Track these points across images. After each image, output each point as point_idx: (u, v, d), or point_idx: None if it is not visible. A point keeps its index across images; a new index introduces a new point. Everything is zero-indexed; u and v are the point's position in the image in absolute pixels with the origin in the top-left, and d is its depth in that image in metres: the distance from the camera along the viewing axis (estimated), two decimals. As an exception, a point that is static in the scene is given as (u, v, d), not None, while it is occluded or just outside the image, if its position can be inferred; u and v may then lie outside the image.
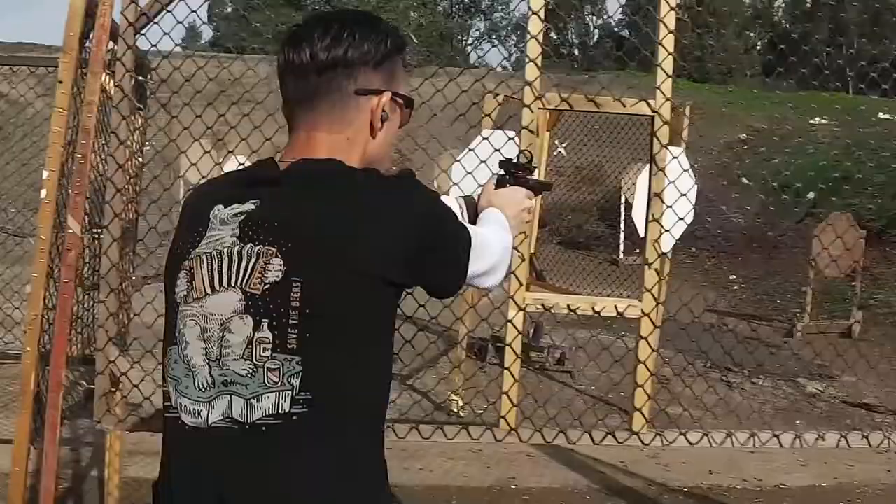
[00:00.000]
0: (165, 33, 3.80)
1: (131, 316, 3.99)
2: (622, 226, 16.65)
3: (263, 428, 1.80)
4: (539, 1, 3.49)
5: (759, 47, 49.80)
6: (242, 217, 1.89)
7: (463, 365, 7.39)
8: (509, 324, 3.67)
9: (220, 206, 1.93)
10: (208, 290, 1.88)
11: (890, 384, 8.70)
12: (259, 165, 2.01)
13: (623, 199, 16.44)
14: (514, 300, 3.67)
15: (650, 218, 3.68)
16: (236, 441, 1.82)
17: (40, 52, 23.06)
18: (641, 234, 6.67)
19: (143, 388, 3.60)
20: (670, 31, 3.58)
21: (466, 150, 5.03)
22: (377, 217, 1.87)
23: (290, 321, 1.81)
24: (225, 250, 1.88)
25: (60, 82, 3.44)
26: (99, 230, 3.78)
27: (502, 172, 2.49)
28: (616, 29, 51.03)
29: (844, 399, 8.35)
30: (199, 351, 1.87)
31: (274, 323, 1.81)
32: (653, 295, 3.68)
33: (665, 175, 3.67)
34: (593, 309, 4.29)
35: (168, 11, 3.63)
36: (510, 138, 6.14)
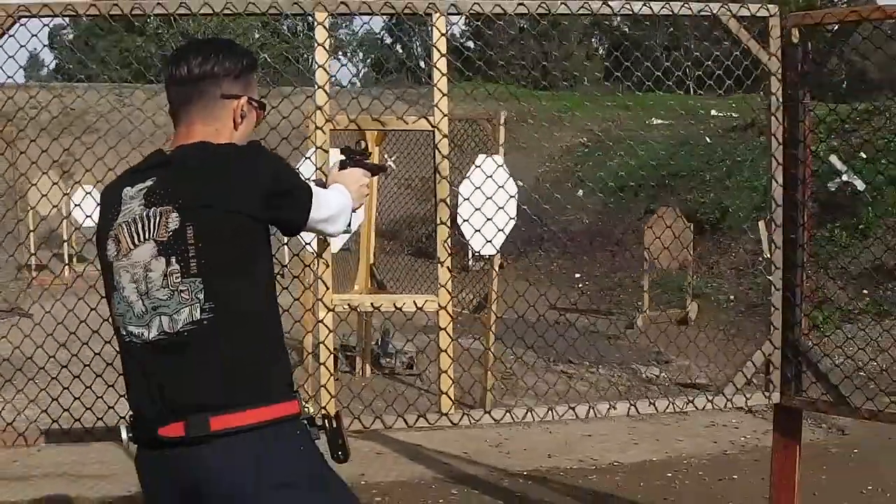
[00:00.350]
0: (9, 56, 4.05)
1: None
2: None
3: (185, 333, 2.49)
4: (323, 33, 3.87)
5: (600, 52, 51.30)
6: (145, 191, 2.57)
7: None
8: (321, 324, 4.02)
9: (128, 188, 2.61)
10: (131, 247, 2.55)
11: (719, 364, 9.30)
12: (152, 154, 2.69)
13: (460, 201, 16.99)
14: (322, 302, 4.03)
15: (438, 221, 4.06)
16: (169, 346, 2.50)
17: None
18: (468, 241, 7.16)
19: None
20: (443, 55, 4.01)
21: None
22: (236, 172, 2.56)
23: (190, 254, 2.49)
24: (136, 216, 2.56)
25: None
26: None
27: (344, 158, 3.15)
28: (462, 40, 51.82)
29: (678, 381, 8.95)
30: (133, 290, 2.54)
31: (179, 257, 2.49)
32: (447, 290, 4.07)
33: (449, 183, 4.07)
34: (395, 305, 4.80)
35: (9, 35, 3.91)
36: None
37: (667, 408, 4.16)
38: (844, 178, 12.83)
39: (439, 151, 4.05)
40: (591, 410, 4.17)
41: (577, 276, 15.87)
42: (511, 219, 7.42)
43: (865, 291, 11.40)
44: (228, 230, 2.52)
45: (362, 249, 8.84)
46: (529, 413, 4.19)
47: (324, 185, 3.05)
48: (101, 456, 6.74)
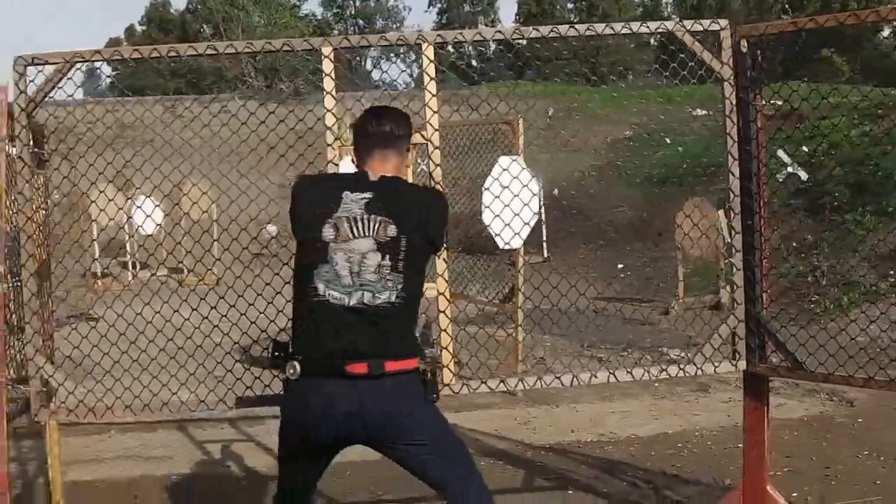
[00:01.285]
0: (69, 95, 4.77)
1: (53, 350, 4.95)
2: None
3: (382, 308, 3.63)
4: (329, 65, 4.54)
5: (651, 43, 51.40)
6: (365, 201, 3.70)
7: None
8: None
9: (348, 192, 3.73)
10: (350, 237, 3.66)
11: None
12: (359, 175, 3.86)
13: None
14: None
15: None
16: (364, 314, 3.62)
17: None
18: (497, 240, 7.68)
19: (71, 398, 4.60)
20: (432, 79, 4.63)
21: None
22: (432, 207, 3.86)
23: (399, 257, 3.66)
24: (357, 216, 3.68)
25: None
26: (17, 279, 4.72)
27: None
28: (512, 39, 52.15)
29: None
30: (346, 267, 3.64)
31: (391, 256, 3.66)
32: (444, 278, 4.67)
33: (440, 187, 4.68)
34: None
35: (54, 92, 4.60)
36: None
37: (642, 376, 4.74)
38: (790, 169, 13.90)
39: (432, 161, 4.66)
40: (575, 378, 4.73)
41: (620, 266, 16.36)
42: (535, 214, 7.89)
43: (892, 272, 11.81)
44: (423, 247, 3.78)
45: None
46: (521, 382, 4.78)
47: None
48: (164, 440, 7.47)
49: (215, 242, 13.93)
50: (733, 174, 4.68)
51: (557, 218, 18.51)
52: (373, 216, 3.68)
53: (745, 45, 4.69)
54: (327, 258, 3.66)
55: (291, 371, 3.65)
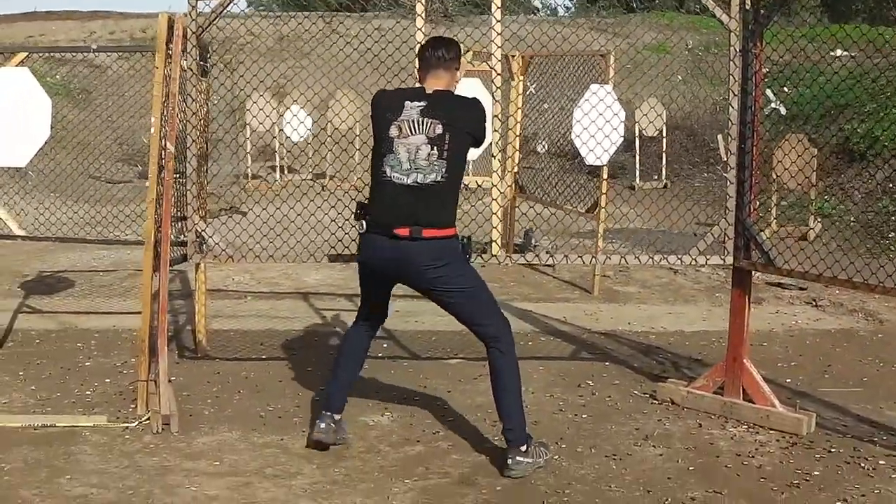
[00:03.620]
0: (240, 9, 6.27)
1: (206, 212, 6.52)
2: (637, 156, 18.81)
3: (431, 184, 4.93)
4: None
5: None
6: (421, 108, 4.97)
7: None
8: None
9: (409, 101, 5.01)
10: (409, 134, 4.95)
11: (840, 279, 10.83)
12: (418, 89, 5.12)
13: (637, 132, 18.61)
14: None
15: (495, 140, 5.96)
16: (419, 190, 4.93)
17: (115, 19, 25.49)
18: (585, 159, 8.82)
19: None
20: (498, 21, 5.90)
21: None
22: (470, 111, 5.11)
23: (445, 147, 4.92)
24: (415, 119, 4.95)
25: (157, 67, 5.90)
26: (180, 174, 6.26)
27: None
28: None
29: (766, 280, 10.52)
30: (405, 156, 4.95)
31: (438, 148, 4.92)
32: (498, 174, 6.00)
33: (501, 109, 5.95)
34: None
35: (217, 19, 6.07)
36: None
37: (646, 262, 6.00)
38: (773, 105, 15.80)
39: (494, 85, 5.95)
40: (593, 259, 6.03)
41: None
42: (621, 137, 8.91)
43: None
44: (463, 141, 5.00)
45: (509, 159, 10.74)
46: (550, 258, 6.09)
47: None
48: (290, 307, 9.02)
49: (357, 151, 15.37)
50: (733, 107, 5.87)
51: (682, 146, 19.43)
52: (425, 119, 4.93)
53: (749, 1, 5.85)
54: (392, 149, 4.96)
55: (360, 227, 5.09)
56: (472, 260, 5.24)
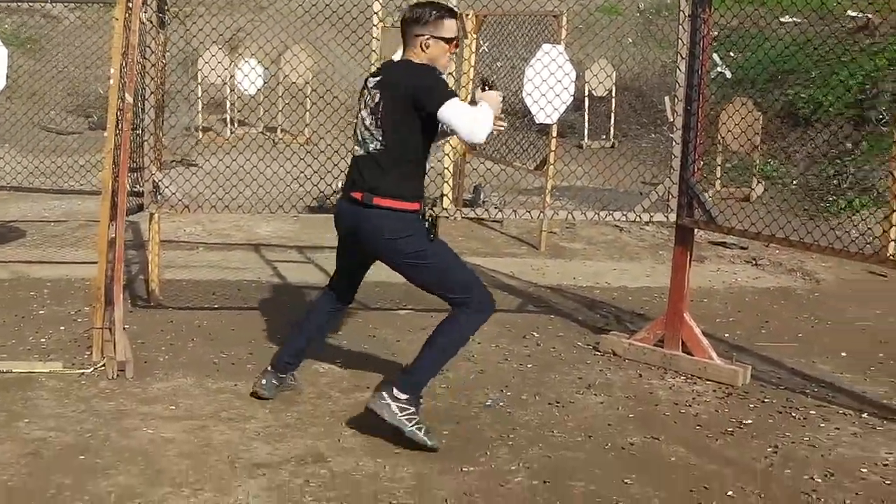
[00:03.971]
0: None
1: (162, 162, 6.62)
2: (586, 115, 19.03)
3: (371, 153, 4.90)
4: None
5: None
6: (376, 81, 4.94)
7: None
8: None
9: (370, 78, 5.01)
10: (362, 108, 4.96)
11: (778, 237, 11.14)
12: (386, 63, 5.13)
13: (587, 92, 18.82)
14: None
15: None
16: (364, 159, 4.94)
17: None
18: (535, 117, 8.95)
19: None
20: None
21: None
22: (411, 76, 4.84)
23: (379, 115, 4.85)
24: (368, 93, 4.92)
25: (116, 19, 5.97)
26: (136, 126, 6.37)
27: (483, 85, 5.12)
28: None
29: (709, 239, 10.79)
30: (361, 130, 4.96)
31: (374, 116, 4.87)
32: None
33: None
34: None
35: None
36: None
37: (592, 218, 6.20)
38: (719, 69, 16.92)
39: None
40: (541, 214, 6.21)
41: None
42: (570, 96, 9.03)
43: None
44: (398, 106, 4.82)
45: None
46: (499, 212, 6.26)
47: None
48: (241, 258, 9.15)
49: (311, 105, 15.38)
50: (680, 69, 6.06)
51: (630, 107, 19.67)
52: (373, 90, 4.93)
53: (701, -30, 6.03)
54: (356, 127, 5.04)
55: (336, 198, 5.36)
56: (431, 239, 5.02)
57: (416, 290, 5.38)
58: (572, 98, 9.07)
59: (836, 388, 6.18)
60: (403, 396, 4.86)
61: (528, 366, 6.32)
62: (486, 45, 12.15)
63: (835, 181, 13.72)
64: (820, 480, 4.74)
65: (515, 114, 17.61)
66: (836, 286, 9.04)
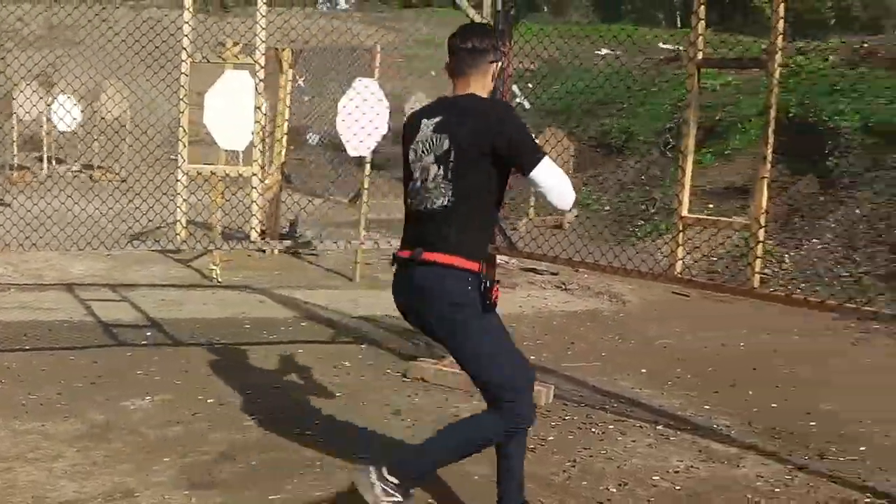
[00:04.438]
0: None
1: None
2: (406, 148, 19.28)
3: (437, 210, 4.08)
4: None
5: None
6: (436, 123, 4.12)
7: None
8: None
9: (425, 119, 4.18)
10: (423, 155, 4.12)
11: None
12: (438, 101, 4.32)
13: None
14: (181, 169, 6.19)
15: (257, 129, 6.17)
16: (427, 215, 4.11)
17: None
18: (348, 150, 9.10)
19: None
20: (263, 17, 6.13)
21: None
22: (485, 118, 4.03)
23: (450, 166, 4.04)
24: (428, 137, 4.12)
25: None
26: None
27: None
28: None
29: (521, 266, 11.11)
30: (420, 181, 4.13)
31: (444, 167, 4.05)
32: (259, 163, 6.22)
33: (263, 100, 6.14)
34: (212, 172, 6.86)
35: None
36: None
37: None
38: (518, 100, 17.02)
39: (257, 77, 6.18)
40: (348, 244, 6.35)
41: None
42: (383, 129, 9.12)
43: (711, 205, 13.54)
44: (474, 156, 4.00)
45: (275, 151, 11.01)
46: (297, 241, 6.37)
47: None
48: (54, 298, 9.02)
49: (125, 142, 15.23)
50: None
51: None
52: (437, 134, 4.11)
53: (501, 4, 6.28)
54: (412, 177, 4.22)
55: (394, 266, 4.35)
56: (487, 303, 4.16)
57: (230, 325, 5.37)
58: (386, 130, 9.25)
59: (635, 402, 6.48)
60: (393, 480, 4.16)
61: (339, 394, 6.42)
62: (302, 79, 12.29)
63: (643, 206, 14.27)
64: (614, 490, 4.99)
65: (337, 147, 17.83)
66: (641, 307, 9.43)
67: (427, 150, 4.12)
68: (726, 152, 14.94)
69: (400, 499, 4.16)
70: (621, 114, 19.28)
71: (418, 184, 4.16)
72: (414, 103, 17.69)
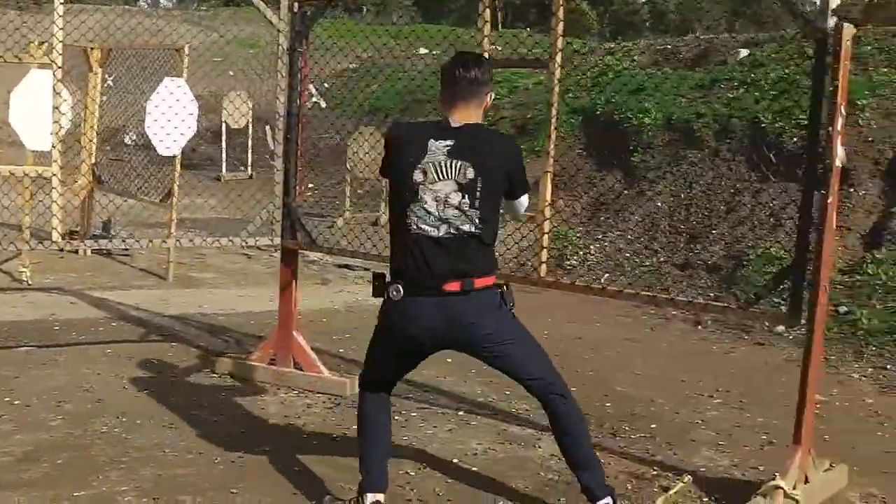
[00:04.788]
0: None
1: None
2: (224, 148, 19.24)
3: (465, 236, 4.20)
4: None
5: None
6: (448, 147, 4.19)
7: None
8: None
9: (433, 140, 4.22)
10: (436, 179, 4.17)
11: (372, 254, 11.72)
12: (442, 123, 4.33)
13: (224, 125, 19.03)
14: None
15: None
16: (451, 241, 4.19)
17: None
18: (158, 150, 9.07)
19: None
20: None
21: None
22: (507, 152, 4.37)
23: (476, 196, 4.18)
24: (441, 161, 4.18)
25: None
26: None
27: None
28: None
29: (335, 263, 11.28)
30: (433, 205, 4.18)
31: (469, 195, 4.18)
32: (57, 163, 6.21)
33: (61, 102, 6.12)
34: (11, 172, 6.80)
35: None
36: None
37: (200, 244, 6.47)
38: (314, 99, 17.68)
39: (55, 77, 6.15)
40: (178, 243, 6.40)
41: (311, 185, 18.00)
42: (191, 128, 9.15)
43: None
44: (497, 186, 4.29)
45: (85, 151, 10.86)
46: (123, 242, 6.41)
47: None
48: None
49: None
50: (280, 100, 6.42)
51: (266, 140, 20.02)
52: (454, 161, 4.19)
53: (297, 6, 6.42)
54: (418, 197, 4.21)
55: (395, 293, 4.29)
56: (511, 308, 4.48)
57: (39, 328, 5.33)
58: (193, 130, 9.23)
59: (438, 390, 6.72)
60: (609, 500, 4.56)
61: (146, 392, 6.45)
62: (112, 78, 12.15)
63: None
64: (413, 473, 5.22)
65: (152, 147, 17.64)
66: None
67: (443, 175, 4.20)
68: (536, 149, 15.33)
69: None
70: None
71: (430, 208, 4.22)
72: (235, 103, 17.71)
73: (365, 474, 4.66)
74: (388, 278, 4.39)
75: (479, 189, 4.20)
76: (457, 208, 4.18)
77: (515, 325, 4.48)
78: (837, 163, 4.64)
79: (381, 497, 4.62)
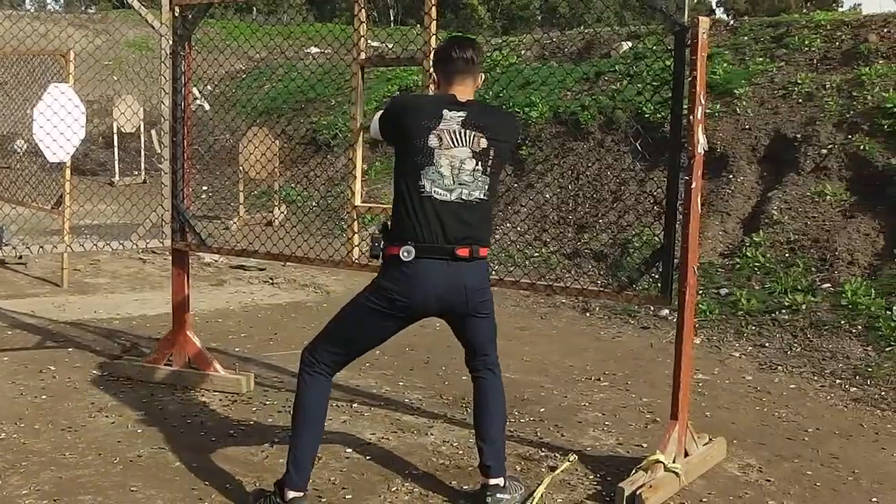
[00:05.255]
0: None
1: None
2: (116, 152, 19.11)
3: (474, 202, 4.44)
4: None
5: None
6: (461, 118, 4.42)
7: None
8: None
9: (446, 110, 4.43)
10: (451, 145, 4.39)
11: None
12: (452, 97, 4.52)
13: (116, 129, 18.89)
14: None
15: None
16: (464, 207, 4.42)
17: None
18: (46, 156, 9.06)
19: None
20: None
21: None
22: (511, 124, 4.81)
23: (488, 164, 4.46)
24: (456, 130, 4.41)
25: None
26: None
27: None
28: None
29: (230, 264, 11.37)
30: (448, 169, 4.39)
31: (482, 162, 4.44)
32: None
33: None
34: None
35: None
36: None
37: (90, 248, 6.52)
38: (198, 102, 17.51)
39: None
40: (69, 248, 6.45)
41: (205, 188, 17.99)
42: (79, 134, 9.12)
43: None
44: (505, 156, 4.60)
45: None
46: (14, 250, 6.45)
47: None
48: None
49: None
50: (165, 104, 6.52)
51: (161, 142, 19.95)
52: (468, 130, 4.41)
53: (178, 10, 6.52)
54: (433, 161, 4.38)
55: (406, 254, 4.36)
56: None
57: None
58: (80, 136, 9.23)
59: (333, 384, 6.82)
60: (503, 482, 4.81)
61: (43, 397, 6.50)
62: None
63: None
64: (310, 464, 5.35)
65: (37, 154, 17.48)
66: (345, 297, 9.76)
67: (457, 142, 4.40)
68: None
69: (517, 491, 4.88)
70: (329, 112, 19.72)
71: (445, 171, 4.39)
72: (126, 108, 17.60)
73: (292, 470, 4.58)
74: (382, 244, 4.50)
75: (490, 158, 4.45)
76: (471, 173, 4.41)
77: (492, 300, 4.70)
78: (700, 150, 4.93)
79: (300, 495, 4.58)
